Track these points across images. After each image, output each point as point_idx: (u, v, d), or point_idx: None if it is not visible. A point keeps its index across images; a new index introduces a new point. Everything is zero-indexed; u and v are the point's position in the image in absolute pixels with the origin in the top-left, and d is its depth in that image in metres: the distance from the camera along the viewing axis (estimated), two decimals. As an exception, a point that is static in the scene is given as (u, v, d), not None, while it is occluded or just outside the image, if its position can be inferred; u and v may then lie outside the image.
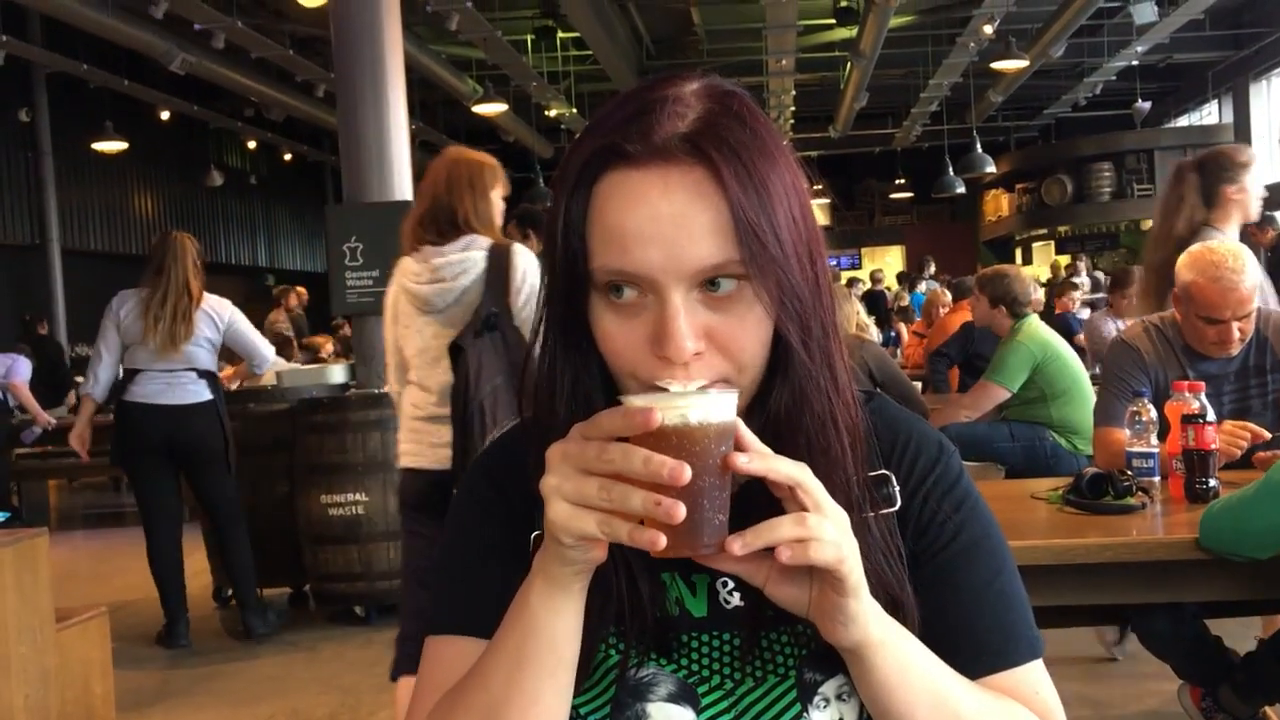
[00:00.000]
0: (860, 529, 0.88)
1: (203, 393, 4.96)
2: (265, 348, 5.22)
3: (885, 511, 0.93)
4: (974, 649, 0.93)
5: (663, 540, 0.75)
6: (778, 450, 0.84)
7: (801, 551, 0.78)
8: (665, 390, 0.82)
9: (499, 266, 3.12)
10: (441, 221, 3.15)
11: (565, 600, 0.84)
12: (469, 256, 3.13)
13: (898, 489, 0.94)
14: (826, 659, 0.89)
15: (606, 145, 0.85)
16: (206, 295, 4.99)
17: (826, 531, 0.78)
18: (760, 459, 0.79)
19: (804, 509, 0.79)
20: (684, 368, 0.84)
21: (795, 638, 0.92)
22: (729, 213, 0.83)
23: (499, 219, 3.26)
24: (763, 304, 0.85)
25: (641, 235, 0.83)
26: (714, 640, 0.94)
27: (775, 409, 0.90)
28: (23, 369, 8.50)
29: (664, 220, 0.83)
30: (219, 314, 5.02)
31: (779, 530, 0.78)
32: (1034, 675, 0.95)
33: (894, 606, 0.89)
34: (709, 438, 0.77)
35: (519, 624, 0.85)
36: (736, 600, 0.93)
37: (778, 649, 0.93)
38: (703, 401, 0.78)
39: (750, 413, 0.91)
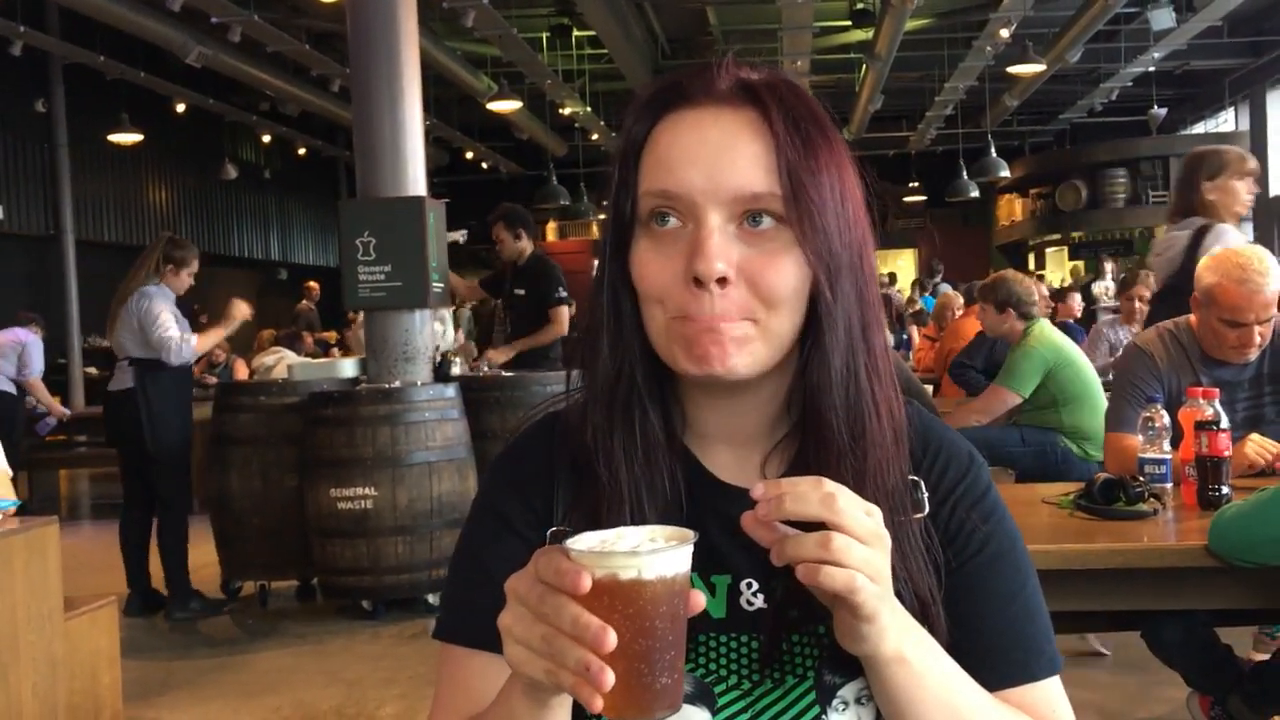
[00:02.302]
0: (899, 531, 0.88)
1: (126, 380, 5.21)
2: (164, 335, 5.07)
3: (915, 517, 0.92)
4: (994, 660, 0.92)
5: (599, 701, 0.70)
6: (813, 429, 0.86)
7: (811, 574, 0.76)
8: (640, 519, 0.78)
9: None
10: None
11: (548, 714, 0.82)
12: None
13: (926, 495, 0.94)
14: (847, 662, 0.88)
15: (670, 86, 0.91)
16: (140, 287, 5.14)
17: (851, 556, 0.76)
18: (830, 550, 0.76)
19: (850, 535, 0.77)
20: (711, 296, 0.85)
21: (815, 640, 0.91)
22: (774, 150, 0.86)
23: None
24: (800, 250, 0.87)
25: (686, 157, 0.87)
26: (732, 642, 0.93)
27: (809, 378, 0.90)
28: (35, 358, 8.30)
29: (710, 144, 0.87)
30: (138, 304, 5.13)
31: (801, 549, 0.77)
32: (1052, 691, 0.94)
33: (923, 613, 0.89)
34: (644, 598, 0.71)
35: None
36: (760, 602, 0.92)
37: (797, 650, 0.92)
38: (635, 560, 0.71)
39: (790, 390, 0.92)
